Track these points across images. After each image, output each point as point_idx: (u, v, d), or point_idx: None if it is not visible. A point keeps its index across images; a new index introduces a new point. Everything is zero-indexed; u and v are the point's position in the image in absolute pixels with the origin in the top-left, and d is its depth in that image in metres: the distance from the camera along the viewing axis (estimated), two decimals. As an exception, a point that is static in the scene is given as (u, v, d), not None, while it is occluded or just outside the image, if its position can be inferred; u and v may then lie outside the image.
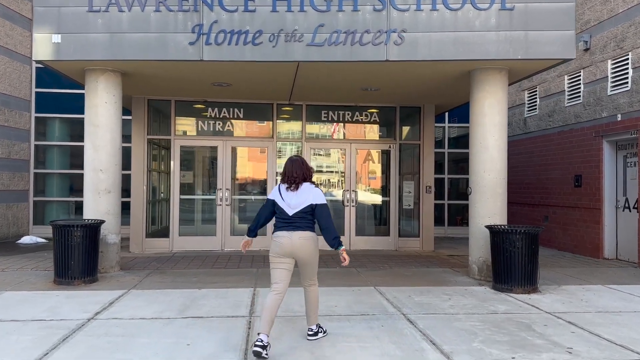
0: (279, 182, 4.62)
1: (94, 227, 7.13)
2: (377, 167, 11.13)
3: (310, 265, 4.42)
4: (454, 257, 9.78)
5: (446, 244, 11.92)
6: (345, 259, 4.31)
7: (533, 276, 6.75)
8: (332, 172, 11.01)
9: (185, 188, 10.52)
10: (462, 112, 13.96)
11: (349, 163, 10.58)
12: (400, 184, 10.82)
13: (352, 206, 10.53)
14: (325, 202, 4.40)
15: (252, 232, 4.59)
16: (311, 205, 4.31)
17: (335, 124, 10.64)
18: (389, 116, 10.82)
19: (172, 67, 7.65)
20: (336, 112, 10.63)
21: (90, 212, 7.69)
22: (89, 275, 6.96)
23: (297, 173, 4.35)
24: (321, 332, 4.68)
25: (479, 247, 7.57)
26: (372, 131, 10.77)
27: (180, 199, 10.27)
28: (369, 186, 11.09)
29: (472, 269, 7.68)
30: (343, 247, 4.32)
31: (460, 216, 14.32)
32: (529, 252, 6.71)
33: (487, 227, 7.07)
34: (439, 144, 13.40)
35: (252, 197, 10.82)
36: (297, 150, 10.65)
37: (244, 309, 5.71)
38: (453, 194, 14.14)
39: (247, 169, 10.94)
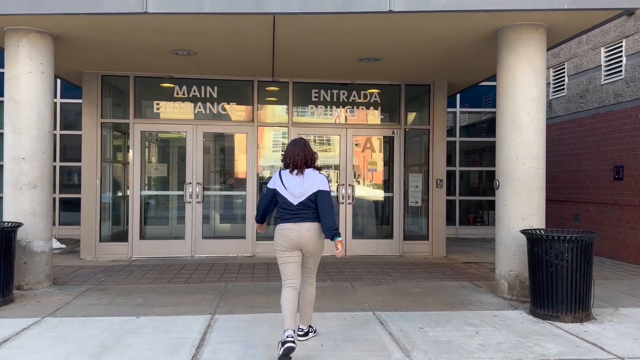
0: (279, 169, 4.19)
1: (6, 233, 5.44)
2: (378, 157, 9.42)
3: (314, 259, 4.17)
4: (470, 266, 8.08)
5: (459, 247, 10.21)
6: (339, 250, 3.93)
7: (586, 299, 5.03)
8: (324, 163, 9.29)
9: (148, 182, 8.82)
10: (474, 95, 12.25)
11: (344, 152, 8.87)
12: (405, 177, 9.11)
13: (349, 203, 8.82)
14: (329, 189, 4.06)
15: (259, 219, 4.39)
16: (316, 192, 3.99)
17: (328, 105, 8.92)
18: (392, 96, 9.09)
19: (113, 25, 5.95)
20: (329, 92, 8.90)
21: (10, 213, 6.01)
22: (-2, 295, 5.29)
23: (300, 156, 4.03)
24: (312, 332, 4.38)
25: (510, 258, 5.86)
26: (373, 114, 9.04)
27: (141, 195, 8.58)
28: (369, 180, 9.38)
29: (500, 285, 5.96)
30: (340, 239, 3.95)
31: (473, 214, 12.61)
32: (582, 266, 4.99)
33: (524, 232, 5.36)
34: (449, 132, 11.65)
35: (230, 193, 9.12)
36: (283, 137, 8.94)
37: (184, 352, 4.01)
38: (464, 188, 12.42)
39: (223, 159, 9.24)
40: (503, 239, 5.92)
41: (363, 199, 9.26)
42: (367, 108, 9.02)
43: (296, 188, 3.99)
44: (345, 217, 8.82)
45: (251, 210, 8.63)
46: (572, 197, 9.95)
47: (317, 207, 3.97)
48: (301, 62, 7.67)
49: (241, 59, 7.49)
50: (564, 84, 10.38)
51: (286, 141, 8.79)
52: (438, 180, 9.02)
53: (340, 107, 8.94)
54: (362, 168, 9.25)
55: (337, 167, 9.00)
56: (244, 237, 8.67)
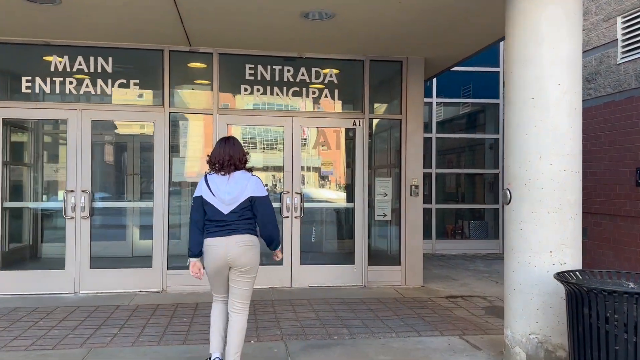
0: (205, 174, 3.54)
1: None
2: (335, 157, 7.24)
3: (246, 280, 3.50)
4: (457, 303, 5.95)
5: (438, 270, 8.11)
6: (278, 256, 3.69)
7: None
8: (265, 165, 7.05)
9: (12, 190, 6.38)
10: (450, 84, 10.22)
11: (290, 149, 6.63)
12: (370, 182, 6.95)
13: (296, 217, 6.58)
14: (266, 193, 3.55)
15: (197, 250, 3.52)
16: (250, 198, 3.46)
17: (267, 87, 6.67)
18: (353, 76, 6.92)
19: None
20: (269, 69, 6.65)
21: None
22: None
23: (228, 156, 3.49)
24: None
25: (530, 313, 3.71)
26: (328, 100, 6.84)
27: (2, 207, 6.14)
28: (323, 186, 7.17)
29: (514, 355, 3.81)
30: (280, 248, 3.65)
31: (451, 225, 10.57)
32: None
33: (561, 279, 3.23)
34: (423, 128, 9.57)
35: (130, 205, 6.77)
36: (205, 125, 6.64)
37: None
38: (441, 194, 10.38)
39: (121, 158, 6.88)
40: (518, 281, 3.78)
41: (315, 212, 7.05)
42: (321, 91, 6.79)
43: (226, 193, 3.45)
44: (291, 237, 6.57)
45: (161, 228, 6.31)
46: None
47: (255, 217, 3.51)
48: (223, 21, 5.39)
49: (133, 13, 5.17)
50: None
51: (211, 133, 6.50)
52: (413, 187, 6.88)
53: (285, 89, 6.69)
54: (314, 171, 7.04)
55: (280, 169, 6.76)
56: (149, 266, 6.33)
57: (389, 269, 6.86)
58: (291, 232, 6.58)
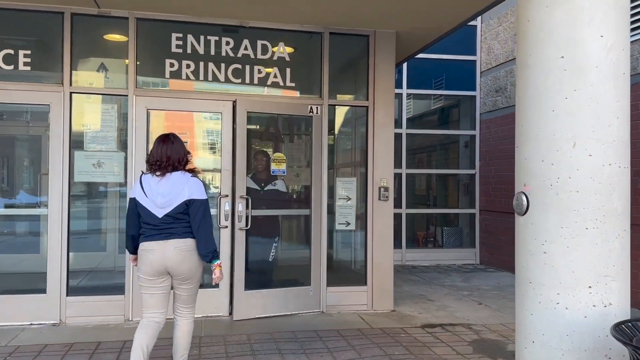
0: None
1: None
2: (287, 152, 5.92)
3: (188, 285, 3.29)
4: (436, 334, 4.72)
5: (410, 286, 6.90)
6: (217, 275, 3.28)
7: None
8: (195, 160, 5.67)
9: None
10: (423, 73, 9.09)
11: (229, 142, 5.27)
12: (331, 183, 5.68)
13: (240, 229, 5.20)
14: (205, 197, 3.27)
15: (133, 250, 3.38)
16: (187, 202, 3.21)
17: (201, 63, 5.30)
18: (309, 52, 5.64)
19: None
20: (202, 39, 5.28)
21: None
22: None
23: (166, 157, 3.23)
24: None
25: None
26: (278, 80, 5.51)
27: None
28: (272, 186, 5.81)
29: None
30: (219, 262, 3.29)
31: (422, 232, 9.42)
32: None
33: (620, 335, 2.03)
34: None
35: (13, 212, 5.23)
36: (119, 110, 5.22)
37: None
38: (411, 198, 9.22)
39: (9, 152, 5.34)
40: (539, 330, 2.54)
41: (263, 222, 5.70)
42: (268, 70, 5.47)
43: (159, 196, 3.19)
44: (231, 253, 5.21)
45: (58, 242, 4.85)
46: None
47: (191, 223, 3.21)
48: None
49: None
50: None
51: (126, 120, 5.09)
52: (382, 189, 5.64)
53: (223, 66, 5.34)
54: (262, 170, 5.69)
55: (217, 168, 5.38)
56: (42, 291, 4.86)
57: (353, 291, 5.59)
58: (231, 247, 5.22)
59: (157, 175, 3.23)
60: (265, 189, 5.47)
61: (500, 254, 8.47)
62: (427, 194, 9.97)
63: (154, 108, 5.18)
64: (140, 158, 4.99)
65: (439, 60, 9.10)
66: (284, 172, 5.64)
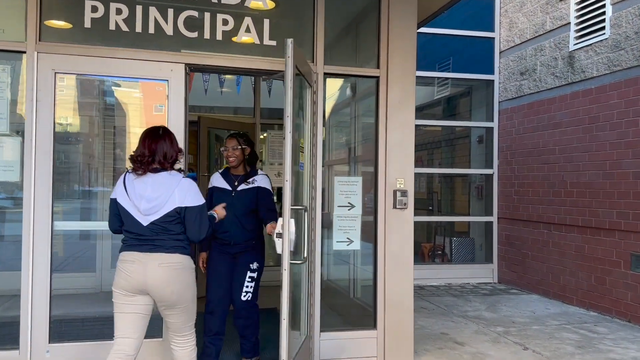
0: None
1: None
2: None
3: (178, 310, 2.74)
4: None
5: (425, 318, 5.32)
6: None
7: None
8: (123, 148, 3.99)
9: None
10: (427, 53, 7.54)
11: (180, 123, 3.60)
12: (327, 184, 4.07)
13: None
14: (202, 202, 2.76)
15: None
16: (178, 209, 2.70)
17: (137, 5, 3.60)
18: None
19: None
20: (144, -25, 3.60)
21: None
22: None
23: (150, 149, 2.73)
24: None
25: None
26: (250, 35, 3.85)
27: None
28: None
29: None
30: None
31: (428, 244, 7.87)
32: None
33: None
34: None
35: None
36: (14, 75, 3.49)
37: None
38: (417, 203, 7.62)
39: None
40: None
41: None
42: (238, 19, 3.80)
43: (143, 201, 2.66)
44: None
45: None
46: (623, 225, 5.43)
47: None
48: None
49: None
50: (603, 21, 5.87)
51: (24, 87, 3.38)
52: (398, 193, 4.03)
53: (172, 13, 3.66)
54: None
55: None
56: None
57: (357, 337, 3.97)
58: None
59: (138, 174, 2.71)
60: (239, 189, 3.77)
61: (525, 272, 6.95)
62: (429, 198, 8.45)
63: (65, 71, 3.47)
64: (45, 145, 3.32)
65: (447, 37, 7.60)
66: (301, 167, 3.92)
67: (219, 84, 7.69)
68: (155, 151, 2.71)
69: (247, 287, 3.66)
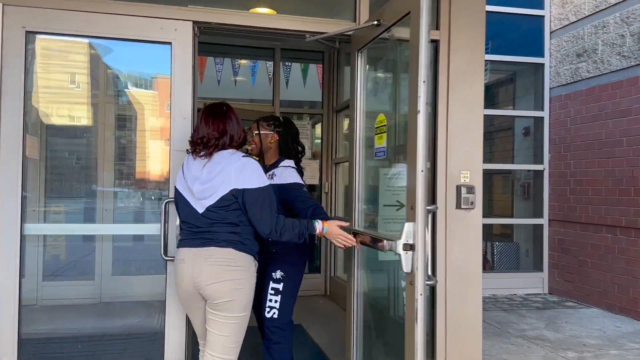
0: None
1: None
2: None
3: (223, 320, 2.27)
4: None
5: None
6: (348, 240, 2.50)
7: None
8: (125, 125, 3.22)
9: None
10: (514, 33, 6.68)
11: (187, 97, 2.79)
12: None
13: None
14: (265, 183, 2.33)
15: None
16: (234, 191, 2.27)
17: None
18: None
19: None
20: None
21: None
22: None
23: (220, 129, 2.35)
24: None
25: None
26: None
27: None
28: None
29: None
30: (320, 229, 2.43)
31: (490, 246, 6.96)
32: None
33: None
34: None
35: None
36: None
37: None
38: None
39: None
40: None
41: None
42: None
43: (197, 182, 2.31)
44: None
45: None
46: None
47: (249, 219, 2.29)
48: None
49: None
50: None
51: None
52: (463, 189, 3.17)
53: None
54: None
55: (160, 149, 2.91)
56: None
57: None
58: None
59: (200, 157, 2.33)
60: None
61: (584, 282, 6.05)
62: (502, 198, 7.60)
63: (39, 30, 2.68)
64: (13, 121, 2.56)
65: (487, 15, 6.68)
66: (383, 154, 3.09)
67: (232, 72, 6.92)
68: (225, 132, 2.35)
69: (270, 301, 2.91)
